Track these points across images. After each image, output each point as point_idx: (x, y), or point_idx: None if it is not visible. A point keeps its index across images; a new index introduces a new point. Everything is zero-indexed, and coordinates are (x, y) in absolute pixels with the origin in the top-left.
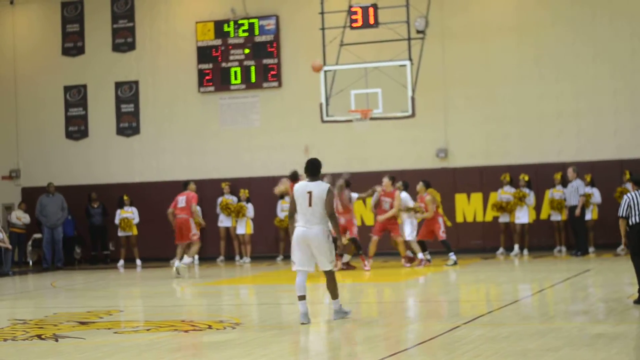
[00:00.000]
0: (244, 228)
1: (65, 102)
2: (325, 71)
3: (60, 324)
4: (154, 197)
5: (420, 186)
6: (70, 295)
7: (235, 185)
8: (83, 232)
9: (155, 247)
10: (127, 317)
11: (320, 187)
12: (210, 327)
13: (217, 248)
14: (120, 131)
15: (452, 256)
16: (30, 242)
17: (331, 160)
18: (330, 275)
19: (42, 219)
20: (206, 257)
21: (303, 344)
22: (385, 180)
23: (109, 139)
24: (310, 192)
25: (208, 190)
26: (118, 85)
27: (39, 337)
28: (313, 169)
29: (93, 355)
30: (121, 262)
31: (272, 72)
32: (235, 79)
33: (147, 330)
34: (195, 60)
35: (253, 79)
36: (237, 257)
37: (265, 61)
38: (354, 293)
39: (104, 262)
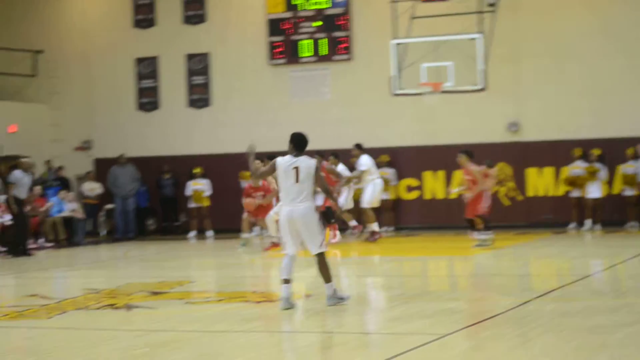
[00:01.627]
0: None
1: (137, 73)
2: (397, 44)
3: (132, 293)
4: (224, 168)
5: (461, 157)
6: (142, 266)
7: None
8: (155, 203)
9: (226, 219)
10: (198, 287)
11: (307, 162)
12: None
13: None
14: (191, 103)
15: (481, 235)
16: (103, 213)
17: (400, 133)
18: (320, 258)
19: (115, 190)
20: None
21: (375, 315)
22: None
23: (179, 111)
24: (296, 168)
25: None
26: (189, 57)
27: (112, 306)
28: (299, 143)
29: (165, 325)
30: (192, 233)
31: (343, 45)
32: (306, 51)
33: (219, 300)
34: (266, 33)
35: (324, 52)
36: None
37: (335, 34)
38: (423, 265)
39: (175, 233)
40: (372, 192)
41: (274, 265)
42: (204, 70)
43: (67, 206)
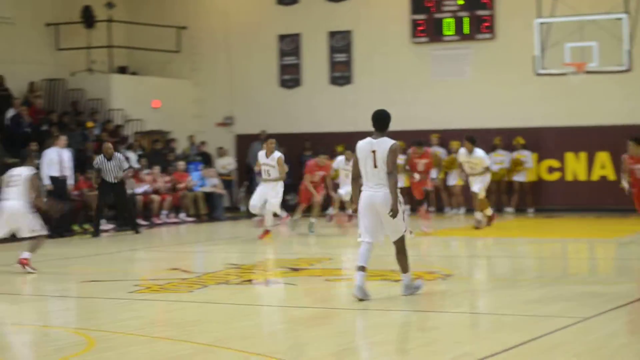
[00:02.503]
0: (455, 180)
1: (279, 50)
2: (541, 23)
3: (271, 269)
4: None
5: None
6: (282, 242)
7: (445, 137)
8: (296, 179)
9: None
10: (337, 265)
11: (383, 146)
12: (421, 277)
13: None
14: (333, 80)
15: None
16: (242, 189)
17: (542, 113)
18: (400, 245)
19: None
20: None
21: (513, 297)
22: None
23: (321, 88)
24: (374, 152)
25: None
26: (331, 34)
27: (251, 281)
28: (377, 122)
29: (305, 300)
30: (331, 210)
31: (486, 24)
32: (449, 30)
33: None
34: (409, 11)
35: (466, 31)
36: (448, 209)
37: (479, 13)
38: (563, 248)
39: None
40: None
41: (415, 244)
42: (346, 48)
43: (208, 181)
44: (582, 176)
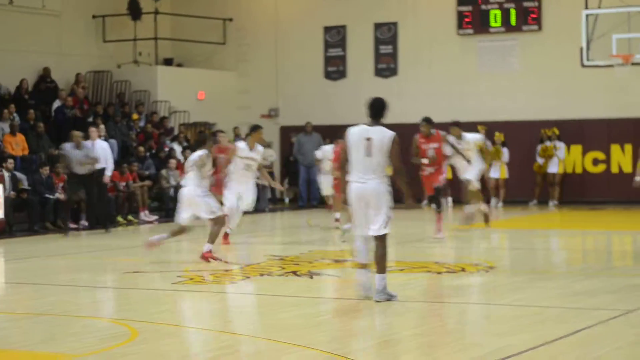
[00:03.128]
0: (498, 172)
1: (325, 42)
2: (587, 15)
3: (315, 261)
4: (408, 138)
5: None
6: (324, 234)
7: (491, 128)
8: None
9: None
10: None
11: (383, 134)
12: (463, 269)
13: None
14: (378, 72)
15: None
16: (287, 180)
17: (589, 105)
18: (381, 242)
19: (300, 158)
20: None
21: (556, 289)
22: None
23: (366, 80)
24: (369, 139)
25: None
26: (377, 26)
27: (294, 273)
28: (376, 110)
29: (347, 292)
30: None
31: (532, 15)
32: (495, 21)
33: (401, 270)
34: (455, 2)
35: (513, 22)
36: (492, 201)
37: (525, 4)
38: (607, 240)
39: None
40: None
41: (458, 237)
42: (392, 40)
43: None
44: (627, 168)
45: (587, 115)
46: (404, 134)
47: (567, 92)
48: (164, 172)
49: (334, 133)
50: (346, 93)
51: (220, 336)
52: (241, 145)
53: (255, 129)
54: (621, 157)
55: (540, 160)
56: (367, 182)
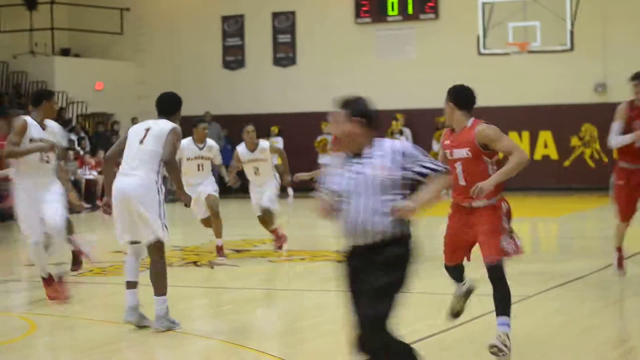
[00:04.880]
0: None
1: (223, 32)
2: (484, 3)
3: (215, 251)
4: (306, 128)
5: None
6: (225, 224)
7: (385, 117)
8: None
9: None
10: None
11: (162, 125)
12: None
13: None
14: (277, 62)
15: None
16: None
17: (486, 93)
18: (156, 254)
19: None
20: None
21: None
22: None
23: (266, 69)
24: (148, 129)
25: None
26: (275, 15)
27: (195, 263)
28: (163, 105)
29: (248, 282)
30: None
31: (430, 4)
32: (392, 10)
33: (301, 259)
34: None
35: (410, 11)
36: None
37: None
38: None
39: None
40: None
41: None
42: (290, 29)
43: None
44: None
45: (484, 103)
46: (305, 122)
47: (464, 80)
48: (62, 163)
49: (234, 122)
50: (245, 82)
51: (117, 328)
52: (185, 143)
53: (195, 124)
54: (518, 145)
55: (435, 148)
56: (129, 176)
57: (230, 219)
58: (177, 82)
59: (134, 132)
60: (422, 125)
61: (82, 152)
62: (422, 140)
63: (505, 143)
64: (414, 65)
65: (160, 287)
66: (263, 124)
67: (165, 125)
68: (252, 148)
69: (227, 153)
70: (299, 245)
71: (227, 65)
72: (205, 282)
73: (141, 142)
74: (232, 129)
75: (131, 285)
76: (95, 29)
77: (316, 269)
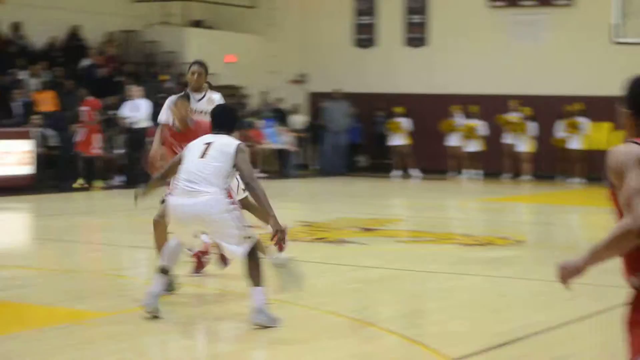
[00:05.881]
0: (524, 145)
1: (355, 10)
2: None
3: (343, 228)
4: (435, 109)
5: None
6: (353, 202)
7: (519, 102)
8: (367, 140)
9: (432, 159)
10: (408, 226)
11: (226, 140)
12: (491, 242)
13: (500, 164)
14: (408, 41)
15: None
16: (312, 146)
17: (618, 82)
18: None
19: (327, 125)
20: (489, 172)
21: None
22: None
23: (396, 49)
24: (209, 144)
25: (491, 106)
26: None
27: (323, 240)
28: (222, 120)
29: (375, 261)
30: (396, 172)
31: None
32: None
33: (428, 241)
34: None
35: None
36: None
37: None
38: None
39: (384, 171)
40: None
41: (484, 209)
42: (422, 9)
43: (281, 138)
44: None
45: (616, 92)
46: (435, 104)
47: (595, 69)
48: None
49: (362, 101)
50: (375, 61)
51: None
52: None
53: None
54: None
55: (562, 135)
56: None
57: (357, 196)
58: (307, 58)
59: (193, 148)
60: (553, 113)
61: None
62: (546, 128)
63: None
64: (546, 50)
65: (255, 277)
66: (391, 104)
67: (229, 141)
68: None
69: (355, 132)
70: (426, 227)
71: (358, 43)
72: (333, 259)
73: (202, 156)
74: (361, 107)
75: (164, 270)
76: (228, 2)
77: (444, 251)
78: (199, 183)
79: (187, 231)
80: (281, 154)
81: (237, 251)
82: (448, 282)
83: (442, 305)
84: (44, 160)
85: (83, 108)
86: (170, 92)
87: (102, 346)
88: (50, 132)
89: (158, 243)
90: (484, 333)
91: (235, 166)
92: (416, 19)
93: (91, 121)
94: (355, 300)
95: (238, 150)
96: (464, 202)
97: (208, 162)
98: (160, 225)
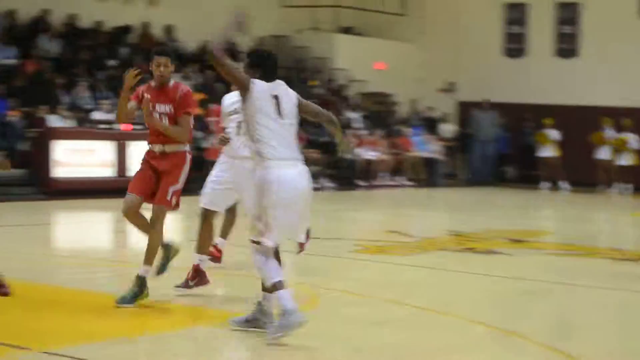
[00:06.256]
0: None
1: (506, 19)
2: None
3: (492, 239)
4: (585, 121)
5: None
6: (502, 213)
7: None
8: (516, 150)
9: (581, 172)
10: (557, 239)
11: (290, 91)
12: None
13: None
14: (559, 52)
15: None
16: (461, 156)
17: None
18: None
19: (476, 134)
20: None
21: None
22: None
23: (546, 59)
24: (277, 97)
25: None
26: (559, 5)
27: (472, 250)
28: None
29: (525, 273)
30: (545, 183)
31: None
32: None
33: (577, 254)
34: None
35: None
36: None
37: None
38: None
39: (532, 182)
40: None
41: (636, 224)
42: (573, 20)
43: (429, 147)
44: None
45: None
46: (583, 115)
47: None
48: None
49: (511, 111)
50: (525, 71)
51: (396, 306)
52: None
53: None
54: None
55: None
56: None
57: (506, 207)
58: (457, 66)
59: (262, 97)
60: None
61: (361, 132)
62: None
63: None
64: None
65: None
66: (540, 115)
67: (291, 92)
68: None
69: (503, 142)
70: (577, 240)
71: (508, 52)
72: (482, 269)
73: (280, 115)
74: (509, 117)
75: (283, 284)
76: (378, 9)
77: (592, 266)
78: (293, 148)
79: (294, 218)
80: (429, 163)
81: (301, 238)
82: (598, 297)
83: (592, 320)
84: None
85: (210, 119)
86: (319, 97)
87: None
88: (200, 134)
89: (203, 238)
90: (634, 351)
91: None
92: (567, 29)
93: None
94: (502, 311)
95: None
96: (614, 215)
97: (288, 122)
98: (210, 217)
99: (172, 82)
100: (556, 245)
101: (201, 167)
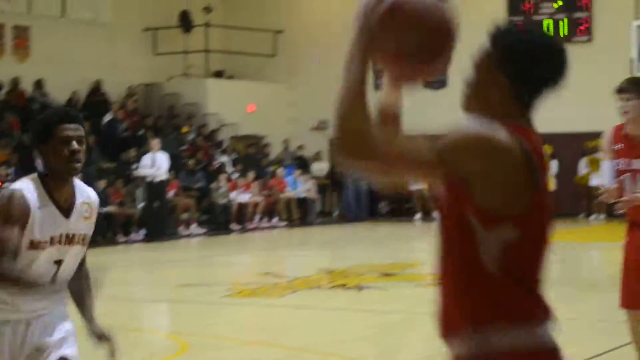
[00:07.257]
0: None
1: None
2: (638, 26)
3: (363, 274)
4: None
5: None
6: (373, 247)
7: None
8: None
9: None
10: (429, 270)
11: None
12: None
13: None
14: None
15: None
16: (334, 193)
17: None
18: None
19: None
20: None
21: None
22: None
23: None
24: None
25: None
26: None
27: (343, 286)
28: None
29: (396, 306)
30: (417, 215)
31: (583, 26)
32: (547, 31)
33: None
34: (505, 13)
35: (562, 33)
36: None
37: (576, 15)
38: None
39: (408, 214)
40: None
41: None
42: None
43: (302, 186)
44: None
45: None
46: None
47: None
48: (214, 185)
49: None
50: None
51: (269, 349)
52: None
53: None
54: None
55: (582, 172)
56: None
57: (378, 242)
58: (329, 105)
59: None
60: (570, 151)
61: (234, 175)
62: (567, 166)
63: None
64: (568, 86)
65: None
66: None
67: None
68: None
69: None
70: None
71: (378, 87)
72: (353, 305)
73: None
74: None
75: None
76: (248, 51)
77: None
78: None
79: None
80: (303, 202)
81: None
82: None
83: None
84: None
85: None
86: (191, 144)
87: None
88: None
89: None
90: None
91: None
92: None
93: None
94: (374, 346)
95: None
96: None
97: None
98: None
99: None
100: (427, 276)
101: None
